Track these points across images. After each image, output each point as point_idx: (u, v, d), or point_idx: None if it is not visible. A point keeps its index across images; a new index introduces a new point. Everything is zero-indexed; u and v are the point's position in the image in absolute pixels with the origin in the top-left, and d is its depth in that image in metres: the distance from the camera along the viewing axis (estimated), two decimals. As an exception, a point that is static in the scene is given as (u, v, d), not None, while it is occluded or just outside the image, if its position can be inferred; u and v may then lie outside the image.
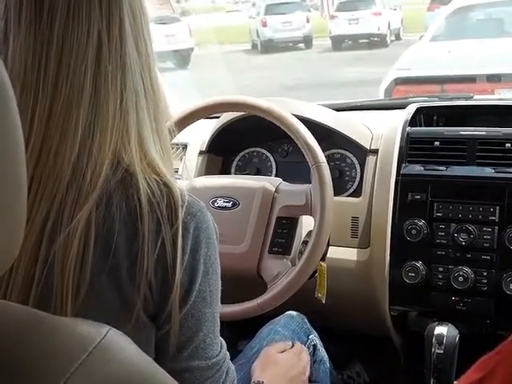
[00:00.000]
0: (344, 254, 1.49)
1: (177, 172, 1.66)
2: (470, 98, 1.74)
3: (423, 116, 1.58)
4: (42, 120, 0.69)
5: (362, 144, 1.54)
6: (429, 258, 1.37)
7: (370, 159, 1.52)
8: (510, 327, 1.26)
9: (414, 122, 1.53)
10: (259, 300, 1.26)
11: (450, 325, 1.30)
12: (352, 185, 1.58)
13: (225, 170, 1.71)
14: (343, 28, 13.67)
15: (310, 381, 1.20)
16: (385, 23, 13.63)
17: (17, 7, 0.70)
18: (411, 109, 1.56)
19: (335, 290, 1.38)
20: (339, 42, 13.86)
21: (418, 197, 1.38)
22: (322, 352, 1.31)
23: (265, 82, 8.82)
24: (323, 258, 1.32)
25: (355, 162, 1.59)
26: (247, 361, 1.16)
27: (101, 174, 0.69)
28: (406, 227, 1.37)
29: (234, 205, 1.36)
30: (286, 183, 1.39)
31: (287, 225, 1.34)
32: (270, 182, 1.37)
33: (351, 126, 1.59)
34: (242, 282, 1.28)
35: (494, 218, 1.33)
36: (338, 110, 1.69)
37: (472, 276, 1.32)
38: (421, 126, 1.57)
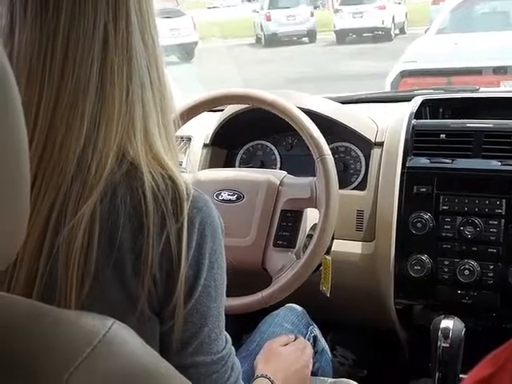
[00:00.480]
0: (349, 247, 1.48)
1: (181, 165, 1.65)
2: (476, 90, 1.73)
3: (429, 108, 1.57)
4: (47, 112, 0.68)
5: (367, 137, 1.54)
6: (434, 252, 1.36)
7: (375, 152, 1.52)
8: (517, 321, 1.26)
9: (419, 114, 1.52)
10: (264, 293, 1.26)
11: (455, 318, 1.29)
12: (357, 178, 1.57)
13: (229, 163, 1.71)
14: (347, 22, 13.64)
15: (312, 373, 1.20)
16: (389, 17, 13.57)
17: (22, 0, 0.69)
18: (417, 101, 1.55)
19: (340, 284, 1.38)
20: (343, 36, 13.82)
21: (424, 190, 1.37)
22: (323, 342, 1.32)
23: (269, 76, 8.78)
24: (328, 252, 1.31)
25: (360, 154, 1.58)
26: (249, 354, 1.16)
27: (106, 167, 0.69)
28: (411, 220, 1.37)
29: (238, 198, 1.35)
30: (291, 176, 1.38)
31: (292, 218, 1.34)
32: (274, 175, 1.36)
33: (356, 118, 1.58)
34: (246, 275, 1.27)
35: (500, 210, 1.32)
36: (342, 102, 1.69)
37: (478, 269, 1.32)
38: (426, 118, 1.56)
